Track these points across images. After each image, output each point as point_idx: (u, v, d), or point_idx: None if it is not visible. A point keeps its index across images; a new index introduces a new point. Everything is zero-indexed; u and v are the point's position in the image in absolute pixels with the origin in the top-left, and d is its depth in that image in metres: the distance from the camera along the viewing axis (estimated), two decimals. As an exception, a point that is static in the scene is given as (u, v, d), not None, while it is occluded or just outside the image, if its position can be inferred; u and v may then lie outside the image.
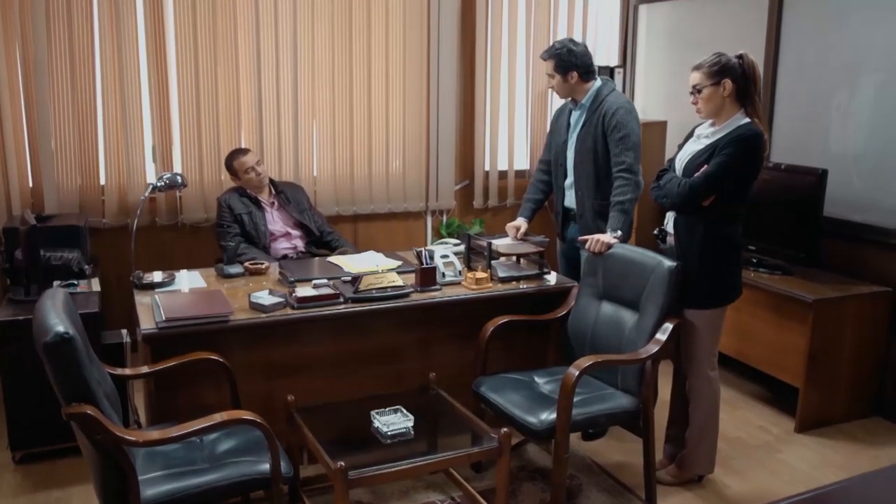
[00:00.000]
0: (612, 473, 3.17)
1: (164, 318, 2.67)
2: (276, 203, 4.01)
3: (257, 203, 3.92)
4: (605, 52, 5.29)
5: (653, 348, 2.78)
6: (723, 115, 2.80)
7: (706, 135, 2.86)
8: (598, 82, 3.48)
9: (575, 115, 3.53)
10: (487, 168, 5.05)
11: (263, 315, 2.84)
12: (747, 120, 2.77)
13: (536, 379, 3.04)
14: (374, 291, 3.02)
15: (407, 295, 3.07)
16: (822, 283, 3.64)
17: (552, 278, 3.40)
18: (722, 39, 4.49)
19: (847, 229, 3.80)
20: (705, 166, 2.76)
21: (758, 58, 2.94)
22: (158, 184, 3.31)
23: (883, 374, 3.71)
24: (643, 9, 5.21)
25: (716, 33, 4.61)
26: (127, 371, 2.66)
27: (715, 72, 2.76)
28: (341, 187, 4.64)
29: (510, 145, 5.08)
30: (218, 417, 2.24)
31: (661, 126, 4.79)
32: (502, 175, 5.11)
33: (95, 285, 3.44)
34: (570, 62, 3.40)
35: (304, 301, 2.90)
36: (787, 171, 3.77)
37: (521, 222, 3.57)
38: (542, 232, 3.64)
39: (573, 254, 3.64)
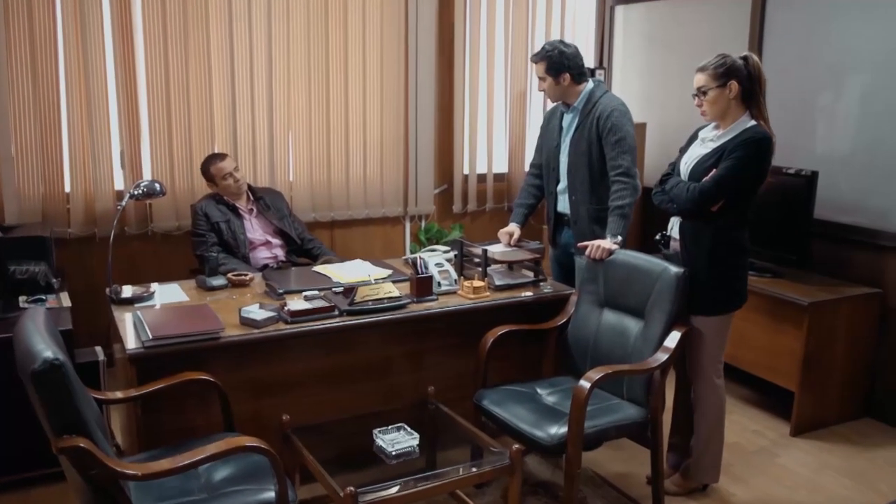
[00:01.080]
0: (615, 485, 3.09)
1: (150, 337, 2.49)
2: (254, 210, 3.83)
3: (235, 210, 3.73)
4: (582, 54, 5.21)
5: (662, 357, 2.70)
6: (728, 117, 2.74)
7: (711, 138, 2.80)
8: (590, 84, 3.41)
9: (567, 118, 3.45)
10: (466, 172, 4.95)
11: (256, 331, 2.67)
12: (754, 122, 2.72)
13: (539, 390, 2.94)
14: (370, 303, 2.88)
15: (404, 306, 2.94)
16: (813, 286, 3.63)
17: (548, 286, 3.31)
18: (701, 41, 4.49)
19: (834, 231, 3.80)
20: (714, 170, 2.69)
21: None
22: (135, 192, 3.10)
23: (873, 375, 3.72)
24: (620, 10, 5.17)
25: (694, 35, 4.59)
26: (118, 394, 2.46)
27: (721, 73, 2.70)
28: (318, 193, 4.48)
29: (489, 148, 4.98)
30: (214, 448, 2.06)
31: (641, 128, 4.76)
32: (481, 179, 5.01)
33: (65, 300, 3.23)
34: (562, 64, 3.32)
35: (298, 315, 2.75)
36: (776, 173, 3.74)
37: (513, 228, 3.47)
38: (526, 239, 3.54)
39: (566, 260, 3.55)
